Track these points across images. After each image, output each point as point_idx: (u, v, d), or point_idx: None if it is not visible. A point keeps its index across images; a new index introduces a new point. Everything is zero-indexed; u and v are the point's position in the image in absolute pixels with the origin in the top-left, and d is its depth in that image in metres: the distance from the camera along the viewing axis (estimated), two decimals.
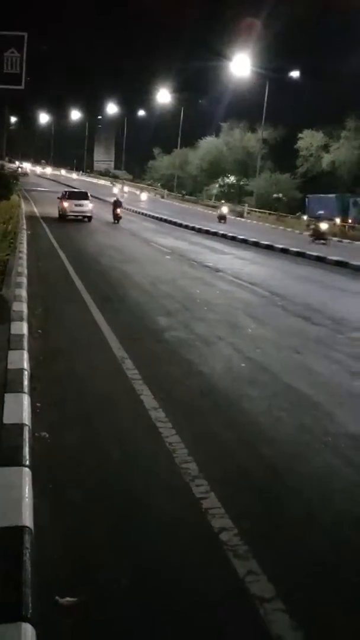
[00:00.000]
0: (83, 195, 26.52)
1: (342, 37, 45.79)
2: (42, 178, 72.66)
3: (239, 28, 49.18)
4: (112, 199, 28.08)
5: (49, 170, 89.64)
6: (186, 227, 27.21)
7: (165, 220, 30.00)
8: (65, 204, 25.20)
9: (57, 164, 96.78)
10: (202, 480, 3.57)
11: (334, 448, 4.28)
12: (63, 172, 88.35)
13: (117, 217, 25.49)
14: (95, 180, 73.72)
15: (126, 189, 56.37)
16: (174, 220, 29.38)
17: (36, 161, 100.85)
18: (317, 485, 3.75)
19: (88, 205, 25.47)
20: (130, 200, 42.48)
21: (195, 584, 2.70)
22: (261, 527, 3.21)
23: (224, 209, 34.36)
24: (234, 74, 45.24)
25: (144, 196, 52.93)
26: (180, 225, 27.88)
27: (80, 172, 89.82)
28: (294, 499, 3.57)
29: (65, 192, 27.28)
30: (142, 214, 34.17)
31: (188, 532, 3.11)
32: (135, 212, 34.96)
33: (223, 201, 40.29)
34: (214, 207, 48.99)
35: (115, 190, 50.88)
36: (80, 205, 25.37)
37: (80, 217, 25.24)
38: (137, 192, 56.44)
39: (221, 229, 26.47)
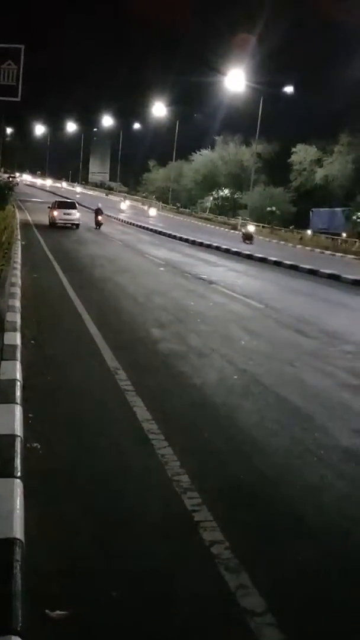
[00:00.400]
0: (71, 205, 28.99)
1: (336, 52, 46.50)
2: (41, 190, 71.09)
3: (233, 43, 49.85)
4: (94, 208, 30.55)
5: (48, 182, 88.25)
6: (216, 247, 24.45)
7: (196, 243, 26.00)
8: (55, 213, 27.19)
9: (53, 175, 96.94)
10: (193, 493, 3.56)
11: (326, 461, 4.28)
12: (64, 184, 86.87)
13: (98, 224, 28.59)
14: (102, 195, 70.56)
15: (128, 202, 55.38)
16: (202, 241, 26.17)
17: (34, 173, 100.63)
18: (309, 497, 3.75)
19: (76, 214, 27.47)
20: (137, 215, 41.86)
21: (186, 597, 2.69)
22: (253, 540, 3.20)
23: (251, 228, 31.09)
24: (228, 88, 45.72)
25: (152, 212, 50.00)
26: (206, 245, 25.10)
27: (83, 183, 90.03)
28: (286, 511, 3.56)
29: (55, 202, 29.68)
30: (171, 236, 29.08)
31: (179, 545, 3.10)
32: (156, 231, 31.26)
33: (247, 218, 36.62)
34: (208, 219, 49.25)
35: (124, 205, 50.78)
36: (68, 214, 27.38)
37: (69, 225, 27.15)
38: (141, 206, 54.45)
39: (243, 248, 24.45)
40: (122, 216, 41.97)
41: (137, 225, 34.92)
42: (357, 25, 49.16)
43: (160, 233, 30.40)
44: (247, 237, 29.42)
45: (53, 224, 26.80)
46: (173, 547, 3.07)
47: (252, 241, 29.08)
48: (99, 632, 2.43)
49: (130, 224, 36.35)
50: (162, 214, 50.12)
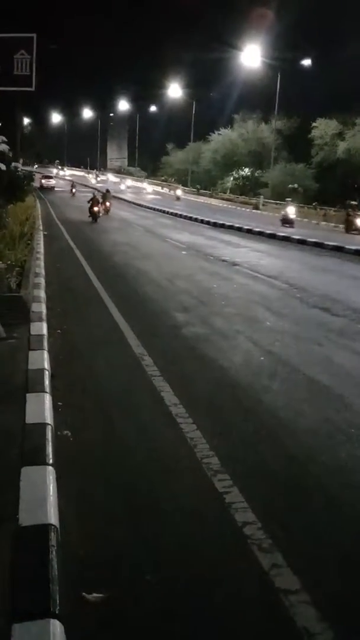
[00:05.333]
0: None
1: (353, 23, 45.16)
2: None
3: (249, 18, 48.82)
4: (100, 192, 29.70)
5: (67, 172, 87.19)
6: (238, 228, 23.63)
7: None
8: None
9: (73, 164, 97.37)
10: (224, 475, 3.58)
11: (357, 439, 4.25)
12: (110, 176, 78.17)
13: (94, 215, 23.89)
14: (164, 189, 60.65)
15: (129, 182, 55.58)
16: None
17: (53, 163, 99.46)
18: (340, 477, 3.73)
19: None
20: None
21: (220, 578, 2.72)
22: (285, 521, 3.20)
23: (290, 210, 27.24)
24: (245, 65, 44.94)
25: (179, 192, 47.86)
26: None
27: (102, 170, 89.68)
28: (317, 491, 3.55)
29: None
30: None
31: (212, 527, 3.12)
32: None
33: (289, 199, 30.81)
34: (229, 200, 48.71)
35: (123, 186, 51.85)
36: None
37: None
38: (162, 190, 53.24)
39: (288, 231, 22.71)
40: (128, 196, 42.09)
41: (154, 209, 34.75)
42: None
43: (180, 216, 30.25)
44: (287, 221, 26.48)
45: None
46: (205, 529, 3.09)
47: (293, 225, 26.21)
48: (134, 614, 2.48)
49: (141, 206, 36.42)
50: (182, 196, 49.76)
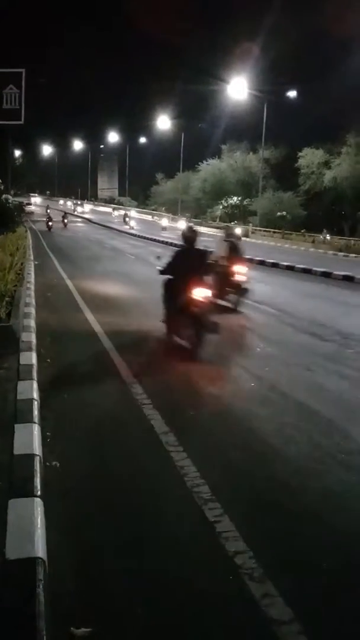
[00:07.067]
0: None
1: (337, 56, 46.51)
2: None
3: (235, 52, 50.16)
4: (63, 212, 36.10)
5: (87, 207, 72.39)
6: None
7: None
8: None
9: (63, 194, 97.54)
10: (215, 504, 3.54)
11: (348, 465, 4.23)
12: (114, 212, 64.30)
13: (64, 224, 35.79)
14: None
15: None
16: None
17: (43, 194, 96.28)
18: (333, 503, 3.71)
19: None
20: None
21: (212, 608, 2.67)
22: (277, 549, 3.17)
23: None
24: (232, 96, 45.94)
25: (167, 222, 45.07)
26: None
27: (93, 200, 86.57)
28: (309, 518, 3.52)
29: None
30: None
31: (202, 556, 3.08)
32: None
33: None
34: (218, 227, 49.13)
35: (164, 223, 45.69)
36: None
37: None
38: (151, 219, 47.24)
39: None
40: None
41: (146, 238, 34.98)
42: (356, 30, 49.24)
43: (169, 244, 30.43)
44: None
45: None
46: (196, 559, 3.05)
47: None
48: None
49: (138, 236, 36.45)
50: (172, 225, 50.11)
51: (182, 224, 42.91)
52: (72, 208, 69.58)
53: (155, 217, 59.87)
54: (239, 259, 10.96)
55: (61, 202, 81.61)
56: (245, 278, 10.79)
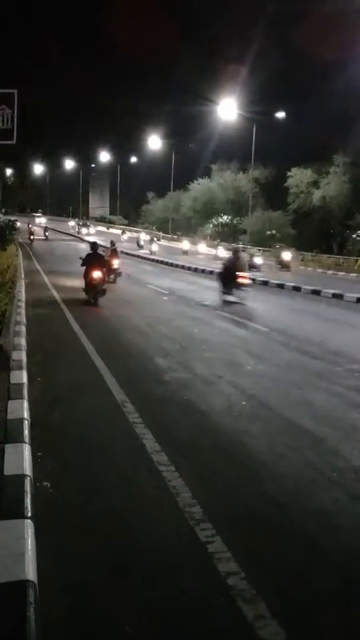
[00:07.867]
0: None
1: (323, 77, 47.46)
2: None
3: (225, 74, 51.01)
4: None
5: (93, 229, 60.18)
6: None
7: None
8: None
9: (55, 213, 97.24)
10: (206, 524, 3.53)
11: (339, 483, 4.24)
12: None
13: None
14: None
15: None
16: None
17: (35, 212, 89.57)
18: (324, 522, 3.70)
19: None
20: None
21: (205, 631, 2.64)
22: (269, 569, 3.15)
23: (286, 255, 28.14)
24: (221, 117, 46.50)
25: (186, 245, 40.97)
26: None
27: (84, 218, 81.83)
28: (301, 536, 3.51)
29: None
30: None
31: (195, 578, 3.06)
32: None
33: (281, 244, 31.70)
34: (210, 246, 49.27)
35: (185, 246, 41.58)
36: None
37: None
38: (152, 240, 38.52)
39: None
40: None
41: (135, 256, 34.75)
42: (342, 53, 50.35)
43: (160, 262, 30.57)
44: (284, 265, 27.61)
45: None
46: (188, 580, 3.02)
47: (290, 268, 27.17)
48: None
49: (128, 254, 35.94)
50: (164, 243, 49.94)
51: (202, 247, 42.42)
52: (76, 229, 60.29)
53: (163, 239, 52.83)
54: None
55: (71, 223, 69.22)
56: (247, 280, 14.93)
